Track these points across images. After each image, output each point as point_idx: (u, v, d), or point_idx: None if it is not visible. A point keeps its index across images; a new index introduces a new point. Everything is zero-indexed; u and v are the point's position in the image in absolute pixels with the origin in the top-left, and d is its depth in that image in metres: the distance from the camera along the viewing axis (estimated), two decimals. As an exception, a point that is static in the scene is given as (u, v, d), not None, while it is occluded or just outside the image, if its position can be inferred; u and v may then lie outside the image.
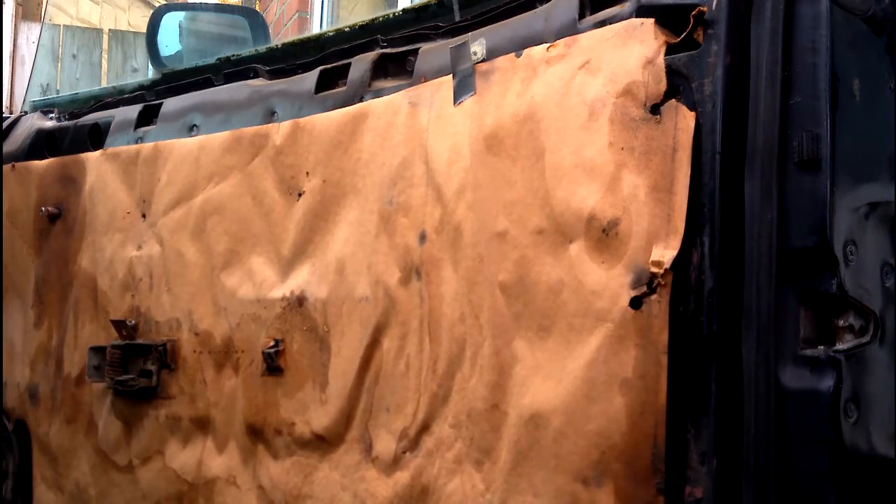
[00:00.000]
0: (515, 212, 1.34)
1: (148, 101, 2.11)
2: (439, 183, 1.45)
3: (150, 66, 2.97)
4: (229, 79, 1.96)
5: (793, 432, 1.11)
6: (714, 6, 1.21)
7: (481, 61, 1.44)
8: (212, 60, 2.08)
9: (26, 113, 2.44)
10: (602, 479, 1.20)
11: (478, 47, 1.45)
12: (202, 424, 1.80)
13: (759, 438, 1.13)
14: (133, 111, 2.08)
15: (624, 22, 1.27)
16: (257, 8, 5.18)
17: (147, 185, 1.94)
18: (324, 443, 1.59)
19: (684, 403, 1.18)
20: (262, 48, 2.07)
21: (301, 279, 1.64)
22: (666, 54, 1.22)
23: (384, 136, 1.55)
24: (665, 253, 1.17)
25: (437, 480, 1.41)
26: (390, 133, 1.54)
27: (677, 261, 1.17)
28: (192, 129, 1.94)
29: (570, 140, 1.28)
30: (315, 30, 4.53)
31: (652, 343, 1.17)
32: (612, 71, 1.26)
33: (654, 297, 1.18)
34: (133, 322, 1.92)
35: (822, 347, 1.13)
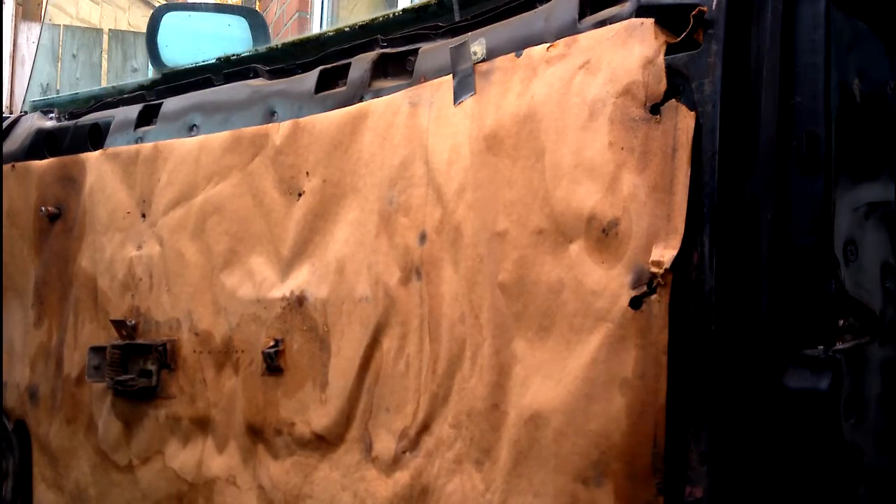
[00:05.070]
0: (515, 212, 1.34)
1: (148, 101, 2.11)
2: (439, 183, 1.45)
3: (150, 66, 2.96)
4: (229, 79, 1.96)
5: (793, 432, 1.11)
6: (714, 6, 1.21)
7: (481, 61, 1.44)
8: (212, 60, 2.08)
9: (26, 113, 2.43)
10: (602, 479, 1.20)
11: (478, 47, 1.45)
12: (202, 424, 1.80)
13: (759, 438, 1.13)
14: (133, 111, 2.08)
15: (624, 22, 1.27)
16: (257, 8, 5.17)
17: (147, 185, 1.94)
18: (324, 443, 1.59)
19: (684, 403, 1.18)
20: (262, 48, 2.06)
21: (301, 279, 1.64)
22: (666, 54, 1.22)
23: (384, 136, 1.55)
24: (665, 253, 1.17)
25: (437, 480, 1.41)
26: (390, 133, 1.54)
27: (677, 261, 1.17)
28: (192, 129, 1.94)
29: (570, 140, 1.28)
30: (315, 30, 4.52)
31: (652, 343, 1.17)
32: (612, 71, 1.25)
33: (654, 297, 1.17)
34: (133, 322, 1.92)
35: (822, 347, 1.13)
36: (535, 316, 1.29)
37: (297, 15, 4.73)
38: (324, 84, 1.74)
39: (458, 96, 1.46)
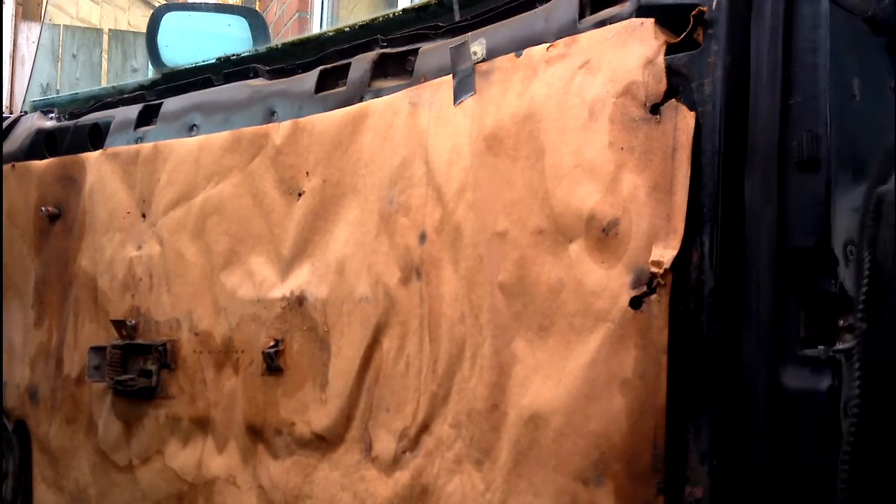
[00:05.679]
0: (515, 212, 1.34)
1: (148, 101, 2.11)
2: (439, 183, 1.45)
3: (150, 66, 2.96)
4: (229, 79, 1.96)
5: (793, 432, 1.11)
6: (714, 6, 1.21)
7: (481, 61, 1.44)
8: (212, 60, 2.08)
9: (26, 113, 2.43)
10: (602, 479, 1.20)
11: (478, 47, 1.45)
12: (202, 424, 1.80)
13: (759, 438, 1.13)
14: (133, 111, 2.08)
15: (624, 22, 1.27)
16: (257, 8, 5.17)
17: (147, 185, 1.94)
18: (324, 443, 1.59)
19: (684, 403, 1.18)
20: (262, 48, 2.06)
21: (301, 279, 1.64)
22: (666, 54, 1.22)
23: (384, 136, 1.55)
24: (665, 253, 1.17)
25: (437, 480, 1.41)
26: (390, 133, 1.54)
27: (677, 261, 1.17)
28: (192, 129, 1.94)
29: (570, 140, 1.28)
30: (315, 30, 4.52)
31: (652, 343, 1.17)
32: (612, 71, 1.26)
33: (653, 297, 1.18)
34: (133, 322, 1.92)
35: (821, 347, 1.12)
36: (535, 316, 1.29)
37: (297, 15, 4.73)
38: (324, 84, 1.74)
39: (458, 96, 1.46)
